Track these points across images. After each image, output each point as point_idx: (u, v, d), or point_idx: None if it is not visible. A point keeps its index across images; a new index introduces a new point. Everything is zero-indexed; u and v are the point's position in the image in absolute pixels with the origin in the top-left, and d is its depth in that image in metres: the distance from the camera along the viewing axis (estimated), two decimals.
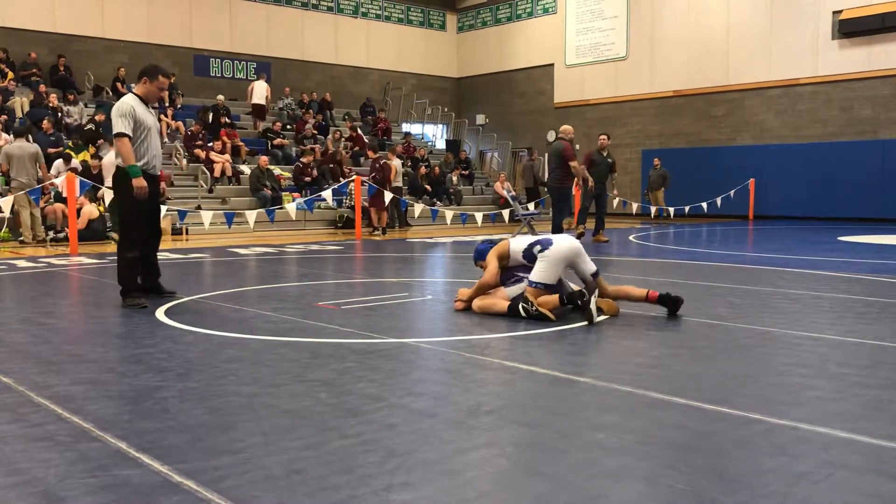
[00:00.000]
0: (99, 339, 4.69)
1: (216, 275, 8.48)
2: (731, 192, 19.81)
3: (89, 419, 2.96)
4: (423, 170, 20.00)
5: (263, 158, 16.99)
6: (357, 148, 19.95)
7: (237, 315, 5.43)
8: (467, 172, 22.10)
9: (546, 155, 18.66)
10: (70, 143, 15.29)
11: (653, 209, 19.63)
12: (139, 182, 5.69)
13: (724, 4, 20.64)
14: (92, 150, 14.91)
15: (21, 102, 16.28)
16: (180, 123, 18.39)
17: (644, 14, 22.28)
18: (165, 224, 13.30)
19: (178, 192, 15.80)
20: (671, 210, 18.91)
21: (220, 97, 19.25)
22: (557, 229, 11.51)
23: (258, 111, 20.12)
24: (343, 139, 20.23)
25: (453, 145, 24.85)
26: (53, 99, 16.55)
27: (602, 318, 5.12)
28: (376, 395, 3.29)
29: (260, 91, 19.88)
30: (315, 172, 17.55)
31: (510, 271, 5.44)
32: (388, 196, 14.29)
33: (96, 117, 16.26)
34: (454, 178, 20.85)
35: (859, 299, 6.04)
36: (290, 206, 13.74)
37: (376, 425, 2.87)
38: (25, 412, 3.07)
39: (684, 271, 8.22)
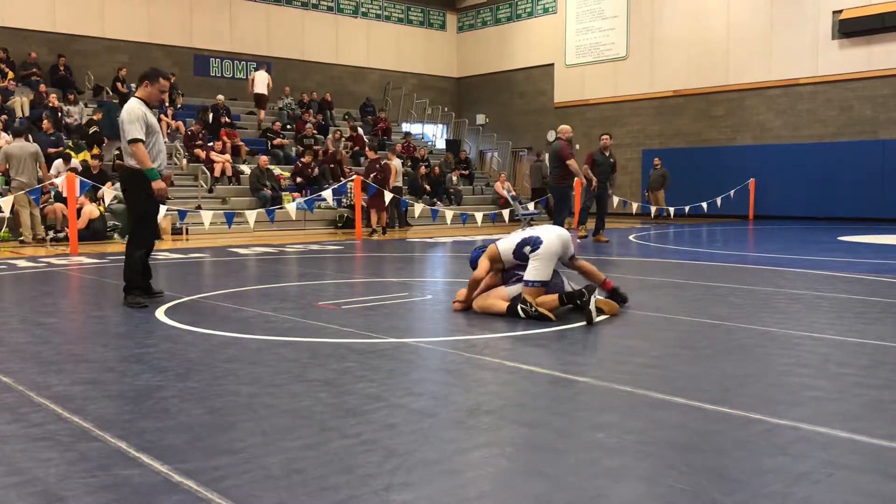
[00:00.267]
0: (99, 339, 4.69)
1: (216, 274, 8.49)
2: (731, 192, 19.80)
3: (89, 419, 2.96)
4: (423, 170, 19.99)
5: (263, 158, 16.98)
6: (357, 147, 19.94)
7: (237, 315, 5.43)
8: (467, 172, 22.09)
9: (547, 155, 18.65)
10: (70, 143, 15.29)
11: (653, 209, 19.62)
12: (159, 184, 5.84)
13: (724, 4, 20.63)
14: (96, 150, 14.90)
15: (21, 102, 16.28)
16: (180, 123, 18.38)
17: (644, 14, 22.27)
18: (166, 224, 13.30)
19: (178, 191, 15.78)
20: (671, 210, 18.90)
21: (220, 97, 19.24)
22: None
23: (259, 100, 20.11)
24: (343, 139, 20.22)
25: (453, 145, 24.83)
26: (53, 99, 16.53)
27: (602, 318, 5.13)
28: (376, 394, 3.29)
29: (261, 80, 19.91)
30: (316, 171, 17.55)
31: (510, 271, 5.45)
32: (388, 196, 14.29)
33: (94, 116, 16.26)
34: (454, 178, 20.84)
35: (860, 299, 6.03)
36: (290, 206, 13.74)
37: (376, 425, 2.87)
38: (25, 412, 3.07)
39: (685, 271, 8.21)
